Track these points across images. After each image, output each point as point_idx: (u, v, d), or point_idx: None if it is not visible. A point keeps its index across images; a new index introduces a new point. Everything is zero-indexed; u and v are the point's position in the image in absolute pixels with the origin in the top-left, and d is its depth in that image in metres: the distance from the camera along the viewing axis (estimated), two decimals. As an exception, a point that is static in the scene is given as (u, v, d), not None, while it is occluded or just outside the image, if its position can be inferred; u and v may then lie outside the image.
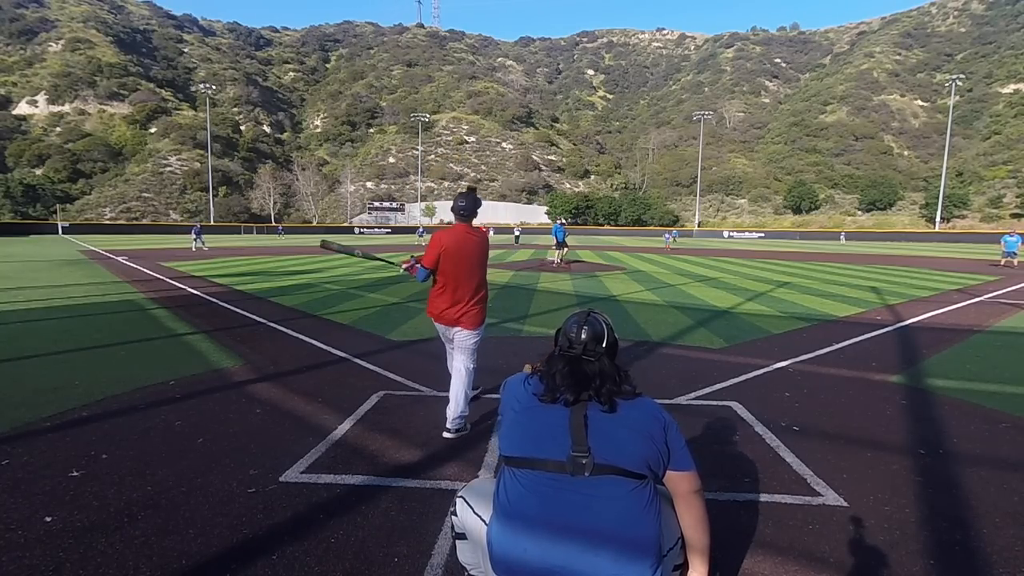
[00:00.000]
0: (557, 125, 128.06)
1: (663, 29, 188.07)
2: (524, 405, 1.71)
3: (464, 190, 3.59)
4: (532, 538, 1.49)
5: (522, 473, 1.60)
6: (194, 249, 26.06)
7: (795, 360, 5.41)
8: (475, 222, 3.64)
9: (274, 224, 72.74)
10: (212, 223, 66.22)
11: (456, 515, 1.81)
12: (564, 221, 22.12)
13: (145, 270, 14.98)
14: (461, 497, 1.83)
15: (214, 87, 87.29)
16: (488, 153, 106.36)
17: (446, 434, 3.39)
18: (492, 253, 26.10)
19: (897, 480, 2.87)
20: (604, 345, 1.77)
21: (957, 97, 78.58)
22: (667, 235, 37.77)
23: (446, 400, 4.08)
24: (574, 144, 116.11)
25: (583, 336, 1.77)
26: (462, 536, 1.78)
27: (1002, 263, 19.14)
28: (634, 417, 1.64)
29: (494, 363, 5.18)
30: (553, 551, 1.47)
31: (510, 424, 1.71)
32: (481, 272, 3.65)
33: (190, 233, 28.41)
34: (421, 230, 45.73)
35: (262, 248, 29.71)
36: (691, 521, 1.67)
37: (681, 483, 1.66)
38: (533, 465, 1.59)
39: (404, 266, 3.67)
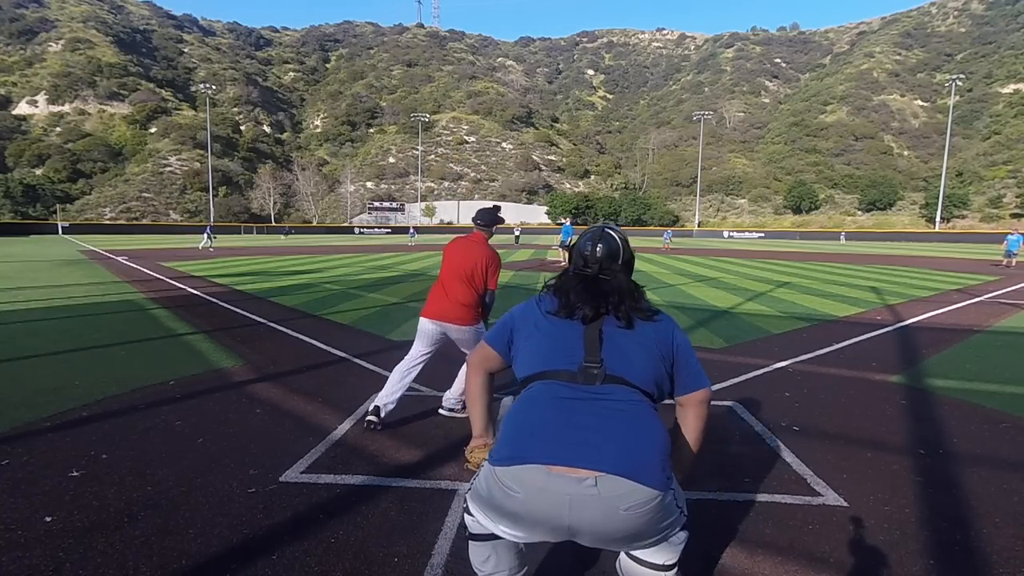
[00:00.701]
0: (557, 125, 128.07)
1: (663, 29, 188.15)
2: (537, 324, 1.66)
3: (490, 206, 3.84)
4: (541, 434, 1.42)
5: (533, 385, 1.56)
6: (202, 247, 26.35)
7: (795, 360, 5.41)
8: (465, 219, 3.70)
9: (278, 224, 72.70)
10: (212, 223, 66.24)
11: (471, 514, 1.63)
12: (568, 221, 22.28)
13: (145, 270, 14.98)
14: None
15: (214, 87, 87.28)
16: (488, 153, 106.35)
17: (442, 411, 3.74)
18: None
19: (897, 480, 2.87)
20: (620, 262, 1.70)
21: (957, 97, 78.60)
22: (665, 234, 37.82)
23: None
24: (574, 144, 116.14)
25: (598, 253, 1.69)
26: (479, 537, 1.62)
27: (1003, 263, 19.11)
28: (650, 336, 1.60)
29: (494, 363, 5.18)
30: (561, 443, 1.38)
31: (524, 347, 1.66)
32: (468, 285, 3.52)
33: (203, 233, 28.72)
34: (412, 231, 45.73)
35: (262, 248, 29.71)
36: (695, 429, 1.68)
37: (696, 397, 1.66)
38: (545, 376, 1.55)
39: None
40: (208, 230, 28.13)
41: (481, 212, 3.67)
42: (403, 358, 3.65)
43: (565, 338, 1.59)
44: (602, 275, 1.67)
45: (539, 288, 1.87)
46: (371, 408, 3.48)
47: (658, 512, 1.33)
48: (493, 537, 1.55)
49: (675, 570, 1.52)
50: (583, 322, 1.60)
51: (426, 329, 3.61)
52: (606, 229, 1.76)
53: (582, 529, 1.31)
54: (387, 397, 3.50)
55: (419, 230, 68.16)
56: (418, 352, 3.64)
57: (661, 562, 1.49)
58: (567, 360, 1.55)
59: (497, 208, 3.78)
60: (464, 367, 3.42)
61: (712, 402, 4.10)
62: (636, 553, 1.50)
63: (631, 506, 1.28)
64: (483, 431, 1.84)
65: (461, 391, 3.47)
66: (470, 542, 1.69)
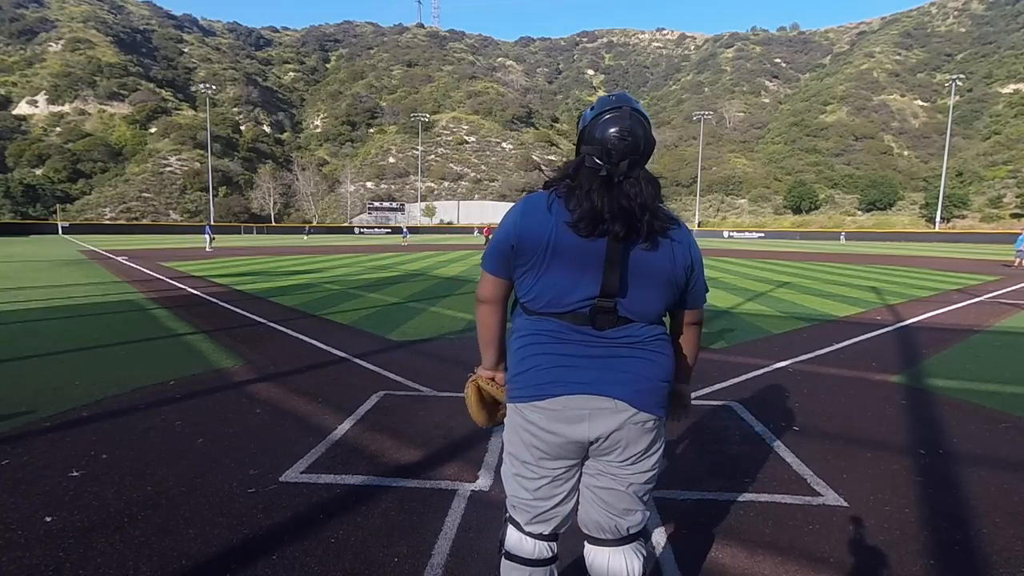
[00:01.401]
0: (557, 125, 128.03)
1: (663, 29, 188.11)
2: (551, 243, 1.36)
3: None
4: (557, 372, 1.39)
5: (541, 321, 1.43)
6: (207, 248, 26.32)
7: (795, 360, 5.41)
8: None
9: (281, 224, 72.62)
10: (212, 223, 66.25)
11: (517, 524, 1.55)
12: None
13: (145, 270, 14.98)
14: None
15: (214, 87, 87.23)
16: (488, 153, 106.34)
17: None
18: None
19: (897, 480, 2.87)
20: (645, 159, 1.41)
21: (957, 97, 78.62)
22: None
23: (446, 400, 4.09)
24: (574, 144, 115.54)
25: (626, 149, 1.35)
26: (513, 558, 1.53)
27: (1016, 263, 18.91)
28: (671, 257, 1.40)
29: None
30: (577, 379, 1.38)
31: (528, 274, 1.41)
32: None
33: (203, 233, 28.54)
34: (405, 231, 45.82)
35: (262, 248, 29.71)
36: (692, 342, 1.60)
37: (692, 316, 1.56)
38: (553, 317, 1.41)
39: None
40: (208, 229, 28.06)
41: None
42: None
43: (581, 267, 1.35)
44: (629, 177, 1.36)
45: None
46: None
47: (655, 430, 1.45)
48: (528, 562, 1.51)
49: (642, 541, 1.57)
50: (616, 239, 1.33)
51: None
52: (635, 108, 1.40)
53: (598, 436, 1.40)
54: None
55: (419, 230, 68.24)
56: None
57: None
58: (580, 298, 1.37)
59: None
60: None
61: (712, 402, 4.14)
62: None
63: (639, 422, 1.41)
64: (494, 366, 1.62)
65: None
66: (505, 561, 1.55)
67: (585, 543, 1.59)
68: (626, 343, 1.41)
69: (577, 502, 1.55)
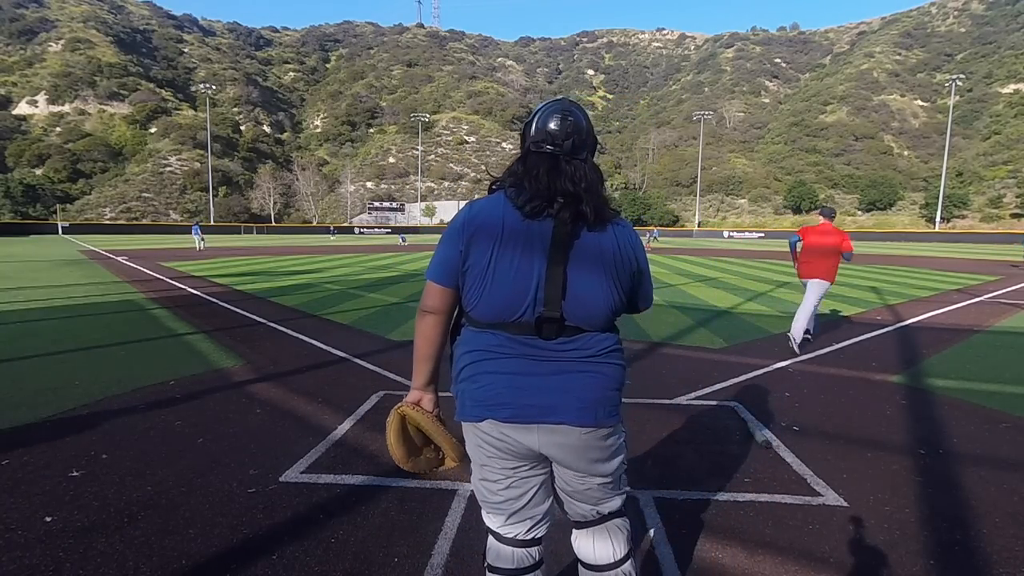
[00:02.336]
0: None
1: (663, 29, 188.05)
2: (500, 239, 1.33)
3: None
4: (503, 394, 1.36)
5: (483, 334, 1.39)
6: (199, 248, 26.06)
7: (795, 360, 5.42)
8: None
9: (312, 224, 72.55)
10: (212, 223, 66.19)
11: (498, 536, 1.56)
12: None
13: (145, 270, 14.98)
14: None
15: (214, 87, 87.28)
16: (488, 153, 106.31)
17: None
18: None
19: (897, 480, 2.87)
20: (588, 148, 1.42)
21: (957, 97, 78.60)
22: (649, 233, 37.63)
23: (446, 400, 4.09)
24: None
25: (568, 129, 1.39)
26: (496, 570, 1.53)
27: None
28: (613, 248, 1.38)
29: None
30: (525, 405, 1.35)
31: (474, 279, 1.35)
32: (834, 256, 6.14)
33: (191, 232, 28.11)
34: (403, 238, 45.53)
35: (262, 248, 29.70)
36: None
37: (639, 316, 1.60)
38: (496, 328, 1.37)
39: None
40: (198, 229, 27.41)
41: (826, 209, 6.33)
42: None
43: (528, 266, 1.32)
44: (574, 159, 1.38)
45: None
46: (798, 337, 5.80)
47: (612, 435, 1.43)
48: (508, 572, 1.50)
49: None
50: (562, 224, 1.32)
51: (813, 286, 6.13)
52: (570, 102, 1.45)
53: (550, 451, 1.40)
54: (799, 329, 5.79)
55: (418, 230, 68.22)
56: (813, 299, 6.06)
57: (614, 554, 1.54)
58: (526, 307, 1.33)
59: (833, 210, 6.37)
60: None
61: (712, 402, 4.14)
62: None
63: (592, 436, 1.39)
64: (426, 385, 1.52)
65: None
66: (488, 574, 1.55)
67: (572, 527, 1.60)
68: (576, 357, 1.37)
69: (552, 503, 1.55)
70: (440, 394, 1.56)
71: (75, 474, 2.83)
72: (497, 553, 1.51)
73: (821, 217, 6.27)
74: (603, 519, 1.53)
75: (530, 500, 1.48)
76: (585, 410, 1.36)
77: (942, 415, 3.87)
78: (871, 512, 2.53)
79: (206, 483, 2.74)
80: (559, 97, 1.52)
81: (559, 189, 1.33)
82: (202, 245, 26.80)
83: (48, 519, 2.39)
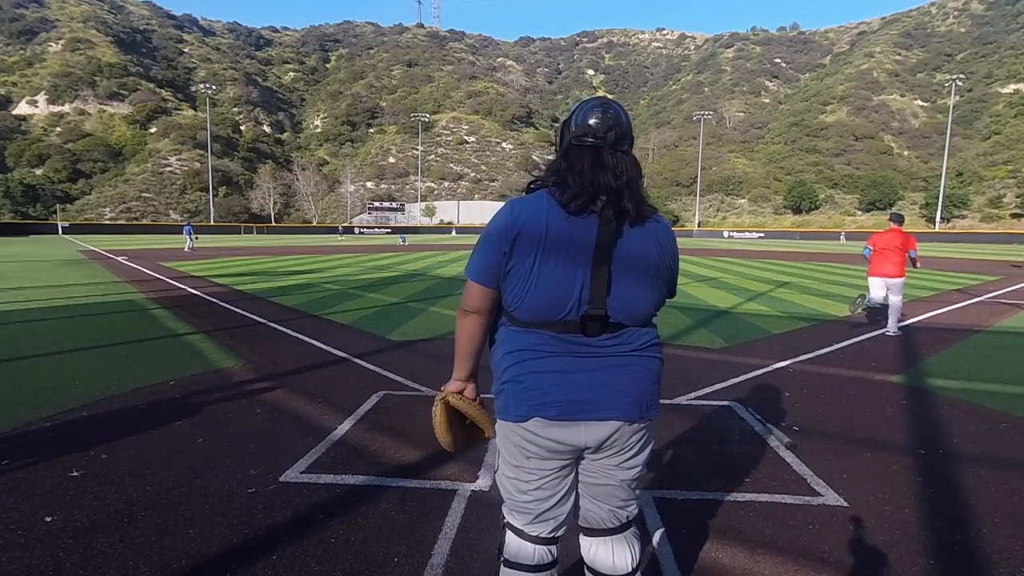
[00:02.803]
0: (557, 125, 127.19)
1: (663, 29, 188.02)
2: (545, 240, 1.32)
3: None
4: (550, 392, 1.37)
5: (529, 333, 1.39)
6: (186, 249, 25.25)
7: (795, 360, 5.41)
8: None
9: (303, 224, 72.50)
10: (212, 223, 66.18)
11: (515, 530, 1.53)
12: None
13: (145, 270, 14.98)
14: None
15: (214, 87, 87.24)
16: (488, 153, 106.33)
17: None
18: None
19: (897, 480, 2.87)
20: (628, 140, 1.42)
21: (957, 97, 78.56)
22: None
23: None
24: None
25: (610, 121, 1.38)
26: (512, 564, 1.51)
27: None
28: (655, 243, 1.40)
29: (494, 363, 5.18)
30: (573, 402, 1.37)
31: (518, 279, 1.35)
32: (901, 254, 7.05)
33: (183, 232, 27.25)
34: (402, 238, 45.51)
35: (262, 248, 29.70)
36: None
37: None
38: (543, 327, 1.37)
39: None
40: (188, 229, 26.62)
41: (895, 215, 7.22)
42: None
43: (572, 266, 1.33)
44: (617, 151, 1.38)
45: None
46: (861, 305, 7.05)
47: (648, 430, 1.48)
48: (528, 568, 1.50)
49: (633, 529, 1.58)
50: (606, 221, 1.33)
51: (876, 283, 7.08)
52: (609, 99, 1.47)
53: (594, 444, 1.42)
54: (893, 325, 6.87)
55: (418, 230, 68.29)
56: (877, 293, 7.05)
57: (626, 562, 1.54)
58: (571, 306, 1.34)
59: (902, 216, 7.28)
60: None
61: (712, 402, 4.14)
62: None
63: (634, 428, 1.43)
64: (467, 378, 1.53)
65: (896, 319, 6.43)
66: (504, 568, 1.53)
67: (582, 536, 1.59)
68: (620, 352, 1.39)
69: (574, 502, 1.55)
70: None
71: (75, 474, 2.83)
72: (518, 550, 1.51)
73: (891, 222, 7.18)
74: (621, 528, 1.54)
75: (558, 501, 1.49)
76: (632, 404, 1.39)
77: (942, 415, 3.87)
78: (871, 512, 2.53)
79: (206, 483, 2.74)
80: (597, 95, 1.52)
81: (602, 184, 1.33)
82: (191, 245, 25.89)
83: (48, 519, 2.39)
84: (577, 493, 1.55)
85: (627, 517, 1.54)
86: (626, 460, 1.45)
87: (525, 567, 1.49)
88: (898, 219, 7.16)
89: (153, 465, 2.94)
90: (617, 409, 1.38)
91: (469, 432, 1.63)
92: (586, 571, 1.59)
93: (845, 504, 2.60)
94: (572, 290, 1.34)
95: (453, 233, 65.38)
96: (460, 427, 1.60)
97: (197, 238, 26.96)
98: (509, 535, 1.53)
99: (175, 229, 59.18)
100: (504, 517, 1.56)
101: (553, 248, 1.33)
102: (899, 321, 7.07)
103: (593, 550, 1.55)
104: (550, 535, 1.51)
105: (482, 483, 2.79)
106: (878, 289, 7.06)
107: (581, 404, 1.36)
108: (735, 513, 2.53)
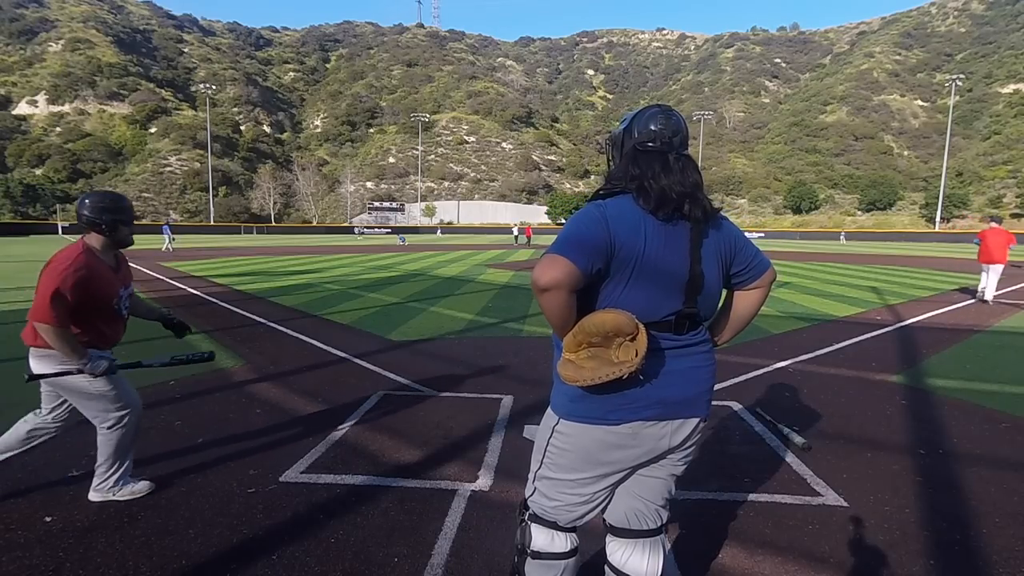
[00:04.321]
0: (557, 125, 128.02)
1: (663, 29, 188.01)
2: (646, 237, 1.33)
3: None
4: (646, 392, 1.37)
5: None
6: (163, 249, 23.99)
7: (795, 360, 5.41)
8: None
9: (303, 224, 72.39)
10: (212, 223, 66.17)
11: (542, 521, 1.52)
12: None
13: (145, 270, 14.98)
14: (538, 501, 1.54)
15: (214, 87, 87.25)
16: (488, 153, 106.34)
17: None
18: (492, 253, 25.67)
19: (897, 480, 2.87)
20: (687, 144, 1.47)
21: (957, 97, 78.57)
22: None
23: (446, 400, 4.09)
24: (574, 144, 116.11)
25: (674, 126, 1.44)
26: (543, 556, 1.51)
27: None
28: (720, 242, 1.44)
29: (494, 362, 5.18)
30: (666, 400, 1.39)
31: (621, 278, 1.33)
32: (1006, 248, 9.79)
33: (161, 232, 25.68)
34: (402, 238, 45.39)
35: (262, 248, 29.70)
36: (757, 305, 1.57)
37: (767, 278, 1.55)
38: (649, 327, 1.35)
39: None
40: (167, 229, 25.51)
41: (995, 217, 8.94)
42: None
43: (671, 264, 1.35)
44: (681, 155, 1.42)
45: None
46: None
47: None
48: (560, 556, 1.50)
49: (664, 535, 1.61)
50: (695, 223, 1.38)
51: (987, 267, 9.30)
52: (669, 106, 1.50)
53: (677, 442, 1.44)
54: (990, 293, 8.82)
55: (418, 230, 68.35)
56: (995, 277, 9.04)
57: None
58: (669, 310, 1.37)
59: (1000, 217, 8.57)
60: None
61: (712, 402, 4.13)
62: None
63: (702, 426, 1.49)
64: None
65: None
66: (532, 561, 1.52)
67: (612, 540, 1.57)
68: (698, 350, 1.45)
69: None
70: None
71: (75, 474, 2.83)
72: (550, 541, 1.51)
73: (993, 223, 9.94)
74: (658, 530, 1.55)
75: (607, 504, 1.55)
76: (709, 402, 1.48)
77: (942, 415, 3.87)
78: (871, 512, 2.53)
79: (206, 483, 2.74)
80: (652, 103, 1.56)
81: (677, 188, 1.37)
82: (170, 246, 24.70)
83: (48, 519, 2.39)
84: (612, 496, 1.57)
85: (666, 518, 1.58)
86: (687, 455, 1.51)
87: (559, 555, 1.51)
88: (998, 220, 9.98)
89: (153, 465, 2.94)
90: (702, 407, 1.45)
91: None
92: (609, 574, 1.57)
93: (845, 504, 2.60)
94: (671, 291, 1.38)
95: (438, 233, 65.50)
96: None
97: (175, 239, 25.50)
98: (537, 529, 1.52)
99: (175, 229, 59.08)
100: (525, 512, 1.56)
101: (652, 252, 1.34)
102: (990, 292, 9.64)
103: (627, 554, 1.53)
104: (580, 524, 1.54)
105: (482, 483, 2.78)
106: (995, 273, 9.76)
107: (676, 404, 1.40)
108: (735, 513, 2.53)
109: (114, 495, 2.53)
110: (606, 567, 1.58)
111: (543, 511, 1.51)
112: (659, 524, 1.55)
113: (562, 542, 1.51)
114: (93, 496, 2.54)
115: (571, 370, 1.33)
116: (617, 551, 1.55)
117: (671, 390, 1.39)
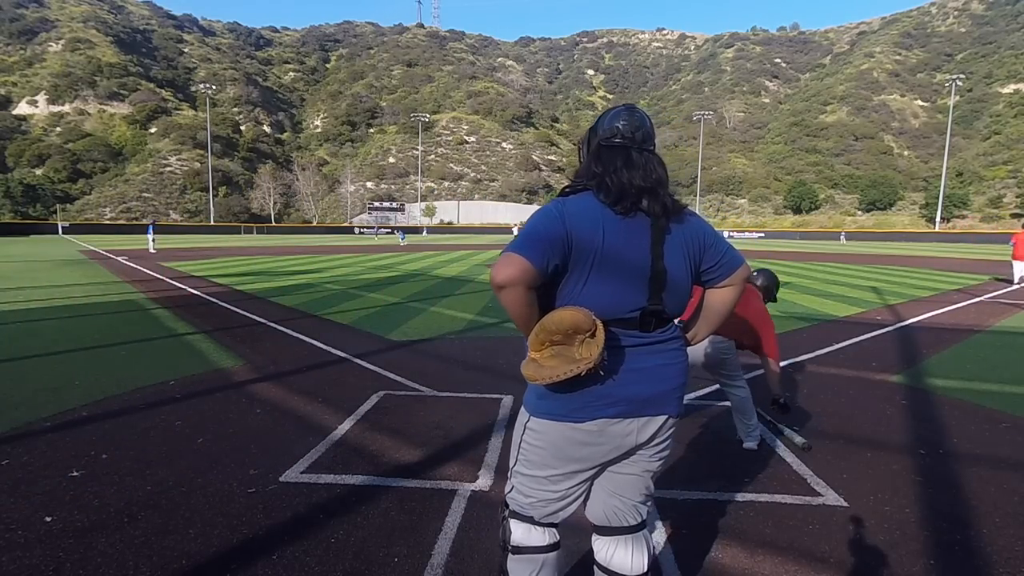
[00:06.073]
0: (557, 125, 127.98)
1: (663, 29, 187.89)
2: (604, 232, 1.34)
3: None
4: (610, 389, 1.37)
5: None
6: (152, 250, 23.35)
7: (795, 360, 5.41)
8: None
9: (303, 224, 72.33)
10: (212, 223, 66.15)
11: (520, 516, 1.53)
12: None
13: (145, 270, 14.98)
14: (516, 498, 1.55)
15: (214, 87, 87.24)
16: (488, 153, 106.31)
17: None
18: (492, 253, 25.76)
19: (897, 480, 2.87)
20: (652, 141, 1.48)
21: (957, 97, 78.51)
22: None
23: (446, 400, 4.09)
24: (574, 144, 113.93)
25: (636, 122, 1.46)
26: (524, 550, 1.51)
27: None
28: (687, 239, 1.43)
29: (494, 363, 5.18)
30: (632, 398, 1.38)
31: (579, 273, 1.34)
32: None
33: (146, 233, 24.88)
34: (402, 234, 45.35)
35: (261, 248, 29.70)
36: (731, 303, 1.55)
37: (740, 275, 1.52)
38: (612, 324, 1.36)
39: None
40: (150, 229, 24.80)
41: None
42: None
43: (631, 259, 1.35)
44: (644, 150, 1.44)
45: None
46: None
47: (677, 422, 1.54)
48: (539, 550, 1.51)
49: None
50: (655, 218, 1.37)
51: (1019, 265, 12.41)
52: (634, 105, 1.52)
53: (644, 439, 1.45)
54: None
55: (418, 230, 68.35)
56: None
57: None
58: (631, 307, 1.37)
59: None
60: None
61: (712, 402, 4.14)
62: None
63: (672, 423, 1.50)
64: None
65: None
66: (513, 557, 1.52)
67: (597, 538, 1.58)
68: (667, 348, 1.45)
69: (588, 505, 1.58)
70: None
71: (75, 474, 2.83)
72: (527, 535, 1.52)
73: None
74: (639, 526, 1.55)
75: (583, 499, 1.54)
76: (680, 399, 1.48)
77: (942, 415, 3.87)
78: (871, 512, 2.53)
79: (206, 483, 2.74)
80: (621, 104, 1.60)
81: (637, 182, 1.38)
82: (152, 247, 23.96)
83: (48, 519, 2.39)
84: (590, 494, 1.57)
85: (646, 513, 1.58)
86: (660, 452, 1.51)
87: (538, 549, 1.51)
88: None
89: (153, 465, 2.94)
90: (669, 404, 1.44)
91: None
92: (597, 572, 1.58)
93: (845, 504, 2.60)
94: (633, 287, 1.37)
95: (424, 233, 65.74)
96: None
97: (155, 239, 24.67)
98: (515, 524, 1.53)
99: (175, 229, 59.22)
100: (505, 508, 1.57)
101: (611, 248, 1.35)
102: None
103: (610, 551, 1.55)
104: (557, 519, 1.54)
105: (482, 483, 2.79)
106: (1021, 268, 12.34)
107: (641, 402, 1.40)
108: (735, 513, 2.53)
109: None
110: (594, 566, 1.60)
111: (520, 507, 1.53)
112: (639, 520, 1.55)
113: (539, 536, 1.51)
114: None
115: (532, 369, 1.35)
116: (602, 549, 1.57)
117: (637, 387, 1.38)
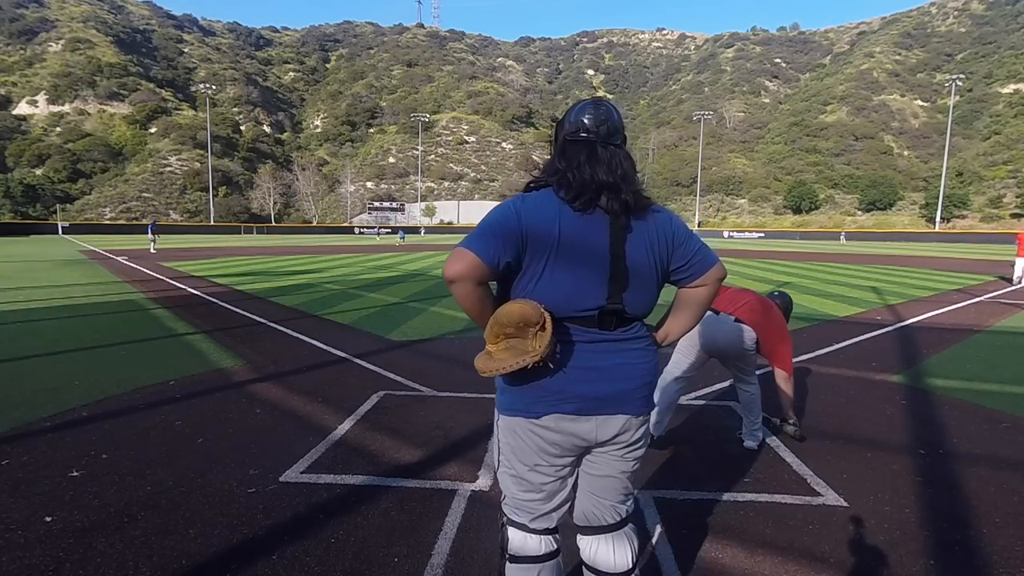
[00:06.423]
0: (554, 125, 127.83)
1: (663, 29, 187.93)
2: (561, 229, 1.32)
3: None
4: (566, 387, 1.37)
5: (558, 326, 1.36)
6: (152, 250, 23.15)
7: (795, 360, 5.40)
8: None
9: (303, 224, 72.34)
10: (212, 223, 66.16)
11: (517, 524, 1.52)
12: None
13: (145, 270, 14.98)
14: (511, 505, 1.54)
15: (214, 87, 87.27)
16: (488, 153, 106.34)
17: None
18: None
19: (897, 480, 2.87)
20: (620, 135, 1.45)
21: (957, 97, 78.51)
22: None
23: (446, 400, 4.09)
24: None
25: (601, 116, 1.42)
26: (519, 559, 1.51)
27: None
28: (654, 235, 1.40)
29: (494, 363, 5.18)
30: (588, 396, 1.38)
31: (533, 271, 1.34)
32: None
33: (147, 232, 24.74)
34: (401, 233, 45.31)
35: (261, 248, 29.70)
36: (704, 303, 1.53)
37: (713, 275, 1.48)
38: (561, 321, 1.36)
39: None
40: (151, 229, 24.64)
41: None
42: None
43: (587, 260, 1.34)
44: (609, 144, 1.40)
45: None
46: None
47: (648, 422, 1.54)
48: (536, 559, 1.50)
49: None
50: (614, 216, 1.35)
51: (1020, 262, 12.46)
52: (601, 99, 1.50)
53: (605, 437, 1.44)
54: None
55: (418, 230, 68.37)
56: None
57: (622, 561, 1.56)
58: (588, 306, 1.35)
59: None
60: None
61: (712, 402, 4.14)
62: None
63: (638, 421, 1.48)
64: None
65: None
66: (510, 565, 1.51)
67: (580, 537, 1.59)
68: (631, 347, 1.43)
69: (572, 503, 1.57)
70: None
71: (75, 474, 2.83)
72: (523, 543, 1.51)
73: None
74: (620, 524, 1.55)
75: (562, 501, 1.52)
76: (642, 398, 1.45)
77: (942, 415, 3.88)
78: (871, 512, 2.53)
79: (206, 483, 2.74)
80: (589, 98, 1.56)
81: (600, 178, 1.35)
82: (153, 247, 23.84)
83: (48, 519, 2.39)
84: (575, 493, 1.56)
85: (626, 512, 1.57)
86: (630, 452, 1.49)
87: (534, 558, 1.50)
88: None
89: (153, 465, 2.94)
90: (630, 404, 1.42)
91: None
92: (585, 571, 1.59)
93: (845, 504, 2.60)
94: (591, 284, 1.35)
95: (422, 233, 65.89)
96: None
97: (154, 240, 24.47)
98: (512, 531, 1.53)
99: (176, 229, 59.22)
100: (504, 515, 1.56)
101: (567, 246, 1.33)
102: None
103: (593, 549, 1.55)
104: (553, 525, 1.54)
105: (482, 483, 2.79)
106: (1021, 266, 12.66)
107: (597, 400, 1.39)
108: (735, 513, 2.53)
109: None
110: (582, 565, 1.60)
111: (512, 512, 1.53)
112: (619, 519, 1.55)
113: (536, 544, 1.50)
114: None
115: (483, 361, 1.36)
116: (585, 547, 1.57)
117: (593, 385, 1.38)
